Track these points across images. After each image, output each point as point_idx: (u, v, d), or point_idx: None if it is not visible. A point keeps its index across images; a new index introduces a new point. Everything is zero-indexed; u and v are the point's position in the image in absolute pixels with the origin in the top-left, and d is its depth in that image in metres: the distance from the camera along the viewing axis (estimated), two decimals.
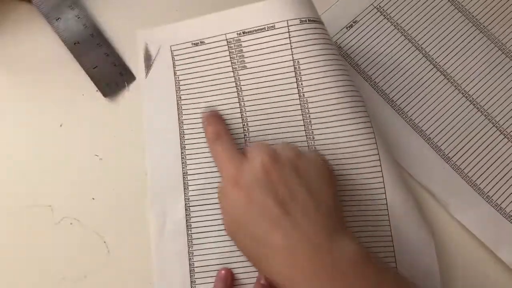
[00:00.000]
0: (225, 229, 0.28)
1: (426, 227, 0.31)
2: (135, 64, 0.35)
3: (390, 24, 0.36)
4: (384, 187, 0.31)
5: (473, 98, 0.35)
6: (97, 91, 0.35)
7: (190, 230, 0.32)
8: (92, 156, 0.34)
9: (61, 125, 0.34)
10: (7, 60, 0.35)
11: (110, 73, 0.35)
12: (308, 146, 0.32)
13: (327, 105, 0.31)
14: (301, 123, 0.32)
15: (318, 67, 0.31)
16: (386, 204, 0.31)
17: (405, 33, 0.36)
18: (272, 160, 0.27)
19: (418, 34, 0.36)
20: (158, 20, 0.36)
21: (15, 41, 0.35)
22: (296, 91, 0.31)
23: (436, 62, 0.35)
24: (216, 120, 0.32)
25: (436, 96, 0.35)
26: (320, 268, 0.24)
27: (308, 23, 0.31)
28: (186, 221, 0.32)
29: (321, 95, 0.31)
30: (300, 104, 0.31)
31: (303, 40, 0.31)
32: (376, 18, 0.36)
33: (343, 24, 0.36)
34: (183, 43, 0.33)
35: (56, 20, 0.35)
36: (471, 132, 0.34)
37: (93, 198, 0.33)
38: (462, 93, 0.35)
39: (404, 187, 0.32)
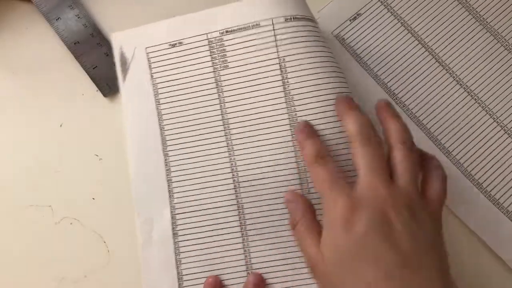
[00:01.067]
0: (323, 270, 0.26)
1: None
2: None
3: (394, 18, 0.36)
4: None
5: (474, 93, 0.35)
6: (97, 91, 0.34)
7: (177, 238, 0.31)
8: (92, 156, 0.34)
9: (61, 125, 0.34)
10: (7, 60, 0.35)
11: (110, 73, 0.34)
12: (294, 146, 0.30)
13: (314, 102, 0.30)
14: (287, 122, 0.31)
15: (305, 64, 0.30)
16: None
17: (408, 27, 0.36)
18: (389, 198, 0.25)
19: (421, 28, 0.36)
20: (158, 19, 0.36)
21: (15, 41, 0.35)
22: (282, 89, 0.31)
23: (438, 56, 0.35)
24: (313, 135, 0.29)
25: (437, 90, 0.35)
26: None
27: (293, 21, 0.30)
28: (172, 229, 0.31)
29: (308, 92, 0.30)
30: (286, 102, 0.31)
31: (289, 38, 0.30)
32: (380, 11, 0.36)
33: (347, 16, 0.36)
34: (158, 45, 0.32)
35: (56, 20, 0.35)
36: (471, 127, 0.34)
37: (93, 198, 0.33)
38: (464, 88, 0.35)
39: None
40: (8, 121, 0.34)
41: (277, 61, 0.31)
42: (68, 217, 0.33)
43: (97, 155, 0.34)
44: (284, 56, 0.30)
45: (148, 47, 0.32)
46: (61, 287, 0.32)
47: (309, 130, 0.29)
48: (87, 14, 0.35)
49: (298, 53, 0.30)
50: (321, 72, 0.30)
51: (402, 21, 0.36)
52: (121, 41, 0.33)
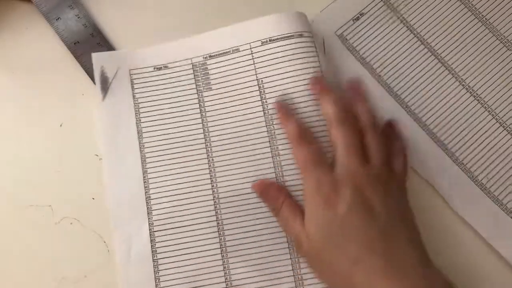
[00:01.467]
0: (308, 246, 0.28)
1: None
2: None
3: (396, 18, 0.36)
4: None
5: (477, 94, 0.35)
6: None
7: (156, 255, 0.31)
8: (92, 156, 0.34)
9: (61, 125, 0.34)
10: (7, 60, 0.35)
11: None
12: (273, 162, 0.32)
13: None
14: (267, 139, 0.32)
15: (281, 84, 0.32)
16: None
17: (411, 28, 0.36)
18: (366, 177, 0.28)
19: (423, 29, 0.36)
20: (158, 20, 0.36)
21: (15, 41, 0.35)
22: (261, 108, 0.32)
23: (441, 57, 0.35)
24: (292, 115, 0.31)
25: (439, 90, 0.35)
26: None
27: (269, 43, 0.33)
28: (151, 246, 0.31)
29: None
30: (265, 120, 0.32)
31: (265, 60, 0.33)
32: (383, 12, 0.36)
33: (350, 15, 0.36)
34: (143, 68, 0.34)
35: (56, 20, 0.35)
36: (473, 126, 0.34)
37: (93, 198, 0.33)
38: (466, 89, 0.35)
39: None
40: (8, 121, 0.34)
41: (255, 82, 0.33)
42: (68, 217, 0.33)
43: (97, 155, 0.34)
44: (262, 78, 0.33)
45: (132, 69, 0.34)
46: (61, 287, 0.32)
47: (286, 110, 0.31)
48: (87, 14, 0.35)
49: (273, 75, 0.32)
50: (296, 91, 0.32)
51: (404, 21, 0.36)
52: (102, 60, 0.34)
